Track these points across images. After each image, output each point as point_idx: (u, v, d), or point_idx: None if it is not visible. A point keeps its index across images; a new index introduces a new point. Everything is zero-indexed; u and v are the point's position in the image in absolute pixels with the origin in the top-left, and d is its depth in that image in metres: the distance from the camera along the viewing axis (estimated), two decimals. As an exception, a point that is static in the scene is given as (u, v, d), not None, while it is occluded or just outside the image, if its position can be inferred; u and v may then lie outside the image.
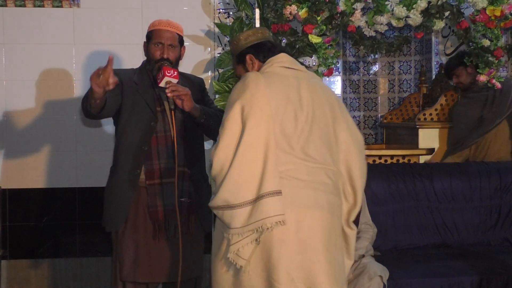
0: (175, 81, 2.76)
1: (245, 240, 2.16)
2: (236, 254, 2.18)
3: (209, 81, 4.37)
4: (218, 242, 2.30)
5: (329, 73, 4.32)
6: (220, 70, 4.31)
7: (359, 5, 4.17)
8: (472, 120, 4.37)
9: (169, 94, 2.74)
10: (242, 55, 2.51)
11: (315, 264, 2.20)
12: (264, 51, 2.47)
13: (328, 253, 2.23)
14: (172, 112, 2.79)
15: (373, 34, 4.38)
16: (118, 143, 2.93)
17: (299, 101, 2.30)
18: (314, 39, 4.14)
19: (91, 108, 2.74)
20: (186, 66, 4.09)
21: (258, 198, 2.15)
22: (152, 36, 2.90)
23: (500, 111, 4.29)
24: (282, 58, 2.45)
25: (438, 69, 5.00)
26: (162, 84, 2.76)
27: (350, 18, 4.19)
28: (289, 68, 2.41)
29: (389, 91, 5.60)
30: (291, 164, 2.22)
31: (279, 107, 2.25)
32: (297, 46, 4.21)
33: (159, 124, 2.85)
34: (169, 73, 2.74)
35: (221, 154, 2.20)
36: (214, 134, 2.96)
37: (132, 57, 4.03)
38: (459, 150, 4.38)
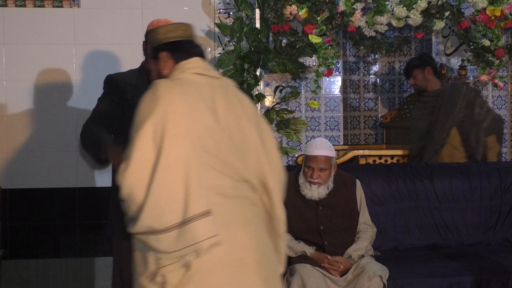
0: (174, 80, 2.76)
1: (174, 265, 2.01)
2: (164, 278, 2.02)
3: (209, 81, 4.37)
4: (142, 262, 2.11)
5: (329, 73, 4.33)
6: (220, 70, 4.31)
7: (359, 5, 4.18)
8: (423, 126, 4.30)
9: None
10: (157, 51, 2.27)
11: (251, 285, 2.11)
12: (180, 51, 2.24)
13: (262, 271, 2.14)
14: None
15: (373, 34, 4.38)
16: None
17: (215, 112, 2.13)
18: (314, 39, 4.14)
19: (102, 159, 2.65)
20: (186, 66, 4.08)
21: (185, 222, 1.98)
22: (151, 36, 2.89)
23: (447, 120, 4.18)
24: (196, 63, 2.23)
25: (438, 69, 5.00)
26: (161, 84, 2.75)
27: (350, 18, 4.19)
28: (202, 74, 2.21)
29: (389, 91, 5.60)
30: (216, 180, 2.08)
31: (195, 121, 2.07)
32: (297, 46, 4.21)
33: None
34: (168, 72, 2.74)
35: (132, 177, 2.00)
36: None
37: (132, 57, 4.03)
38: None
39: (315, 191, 3.15)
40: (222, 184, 2.09)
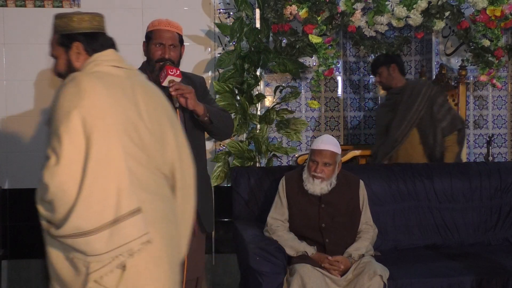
0: (178, 79, 2.75)
1: (108, 267, 1.92)
2: (99, 283, 1.92)
3: (210, 81, 4.38)
4: (69, 269, 1.99)
5: (329, 73, 4.33)
6: (221, 70, 4.31)
7: (359, 5, 4.18)
8: (383, 123, 4.27)
9: (173, 93, 2.73)
10: (69, 39, 2.11)
11: (178, 284, 2.12)
12: (96, 44, 2.12)
13: (181, 272, 2.16)
14: (177, 110, 2.79)
15: (373, 34, 4.39)
16: None
17: (137, 106, 2.07)
18: (314, 39, 4.14)
19: None
20: (187, 66, 4.08)
21: (117, 220, 1.90)
22: (152, 37, 2.88)
23: (405, 117, 4.13)
24: (111, 56, 2.14)
25: (438, 69, 5.00)
26: (165, 83, 2.75)
27: (350, 18, 4.20)
28: (119, 67, 2.12)
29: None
30: (142, 175, 2.01)
31: (120, 115, 2.00)
32: (297, 46, 4.21)
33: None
34: (172, 72, 2.74)
35: (63, 173, 1.89)
36: (217, 132, 2.96)
37: (132, 57, 4.01)
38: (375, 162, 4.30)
39: (318, 186, 3.16)
40: (147, 180, 2.04)
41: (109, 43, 2.17)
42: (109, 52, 2.14)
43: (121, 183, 1.93)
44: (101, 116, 1.94)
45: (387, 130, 4.22)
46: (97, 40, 2.14)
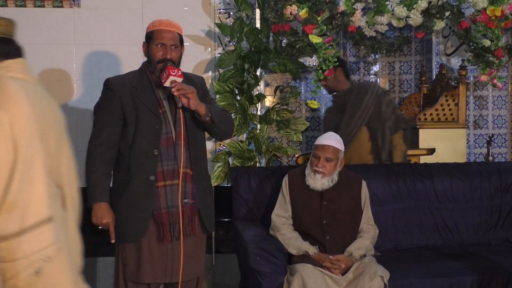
0: (179, 80, 2.76)
1: (25, 272, 1.92)
2: None
3: (210, 81, 4.38)
4: None
5: (329, 73, 4.33)
6: (221, 70, 4.31)
7: (359, 5, 4.18)
8: (333, 125, 4.26)
9: (175, 93, 2.73)
10: None
11: None
12: (10, 50, 2.11)
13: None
14: (180, 110, 2.79)
15: (374, 34, 4.39)
16: (126, 151, 2.88)
17: (47, 115, 2.09)
18: (315, 39, 4.14)
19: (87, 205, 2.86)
20: (187, 66, 4.09)
21: (37, 225, 1.92)
22: (153, 37, 2.88)
23: (353, 116, 4.14)
24: (23, 64, 2.13)
25: (438, 69, 5.00)
26: (167, 84, 2.75)
27: (351, 18, 4.20)
28: (29, 76, 2.12)
29: (389, 91, 5.59)
30: (48, 184, 2.01)
31: (37, 123, 2.01)
32: (298, 46, 4.21)
33: (163, 126, 2.84)
34: (173, 72, 2.74)
35: None
36: (218, 132, 2.96)
37: (132, 57, 4.04)
38: None
39: (319, 181, 3.17)
40: (52, 189, 2.05)
41: (20, 52, 2.16)
42: (20, 60, 2.14)
43: (42, 189, 1.96)
44: (26, 121, 1.96)
45: (336, 131, 4.23)
46: (10, 46, 2.13)
